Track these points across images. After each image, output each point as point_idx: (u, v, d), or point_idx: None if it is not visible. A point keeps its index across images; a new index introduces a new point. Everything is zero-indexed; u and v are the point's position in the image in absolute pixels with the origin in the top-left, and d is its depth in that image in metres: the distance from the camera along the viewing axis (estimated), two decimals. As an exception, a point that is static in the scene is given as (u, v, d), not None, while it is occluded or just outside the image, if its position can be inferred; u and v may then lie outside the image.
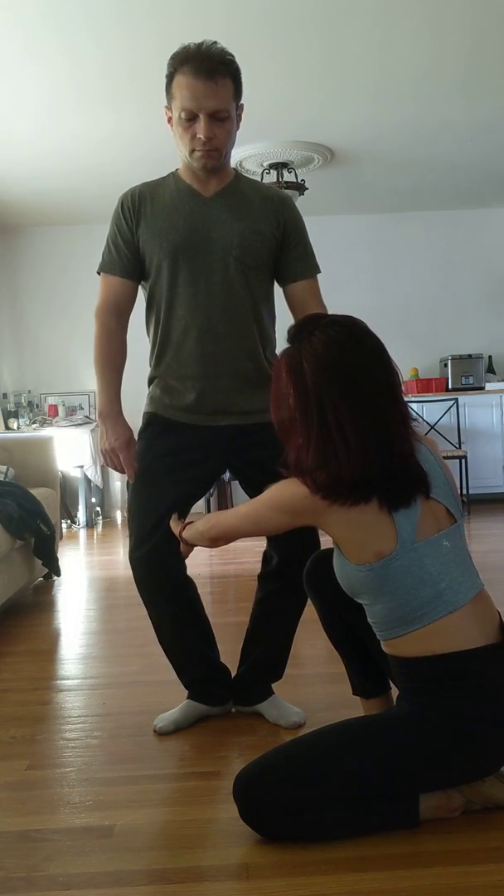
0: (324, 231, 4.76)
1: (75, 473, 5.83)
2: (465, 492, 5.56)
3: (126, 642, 2.88)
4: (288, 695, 2.14)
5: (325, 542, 1.65)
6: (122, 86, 3.86)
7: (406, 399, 1.55)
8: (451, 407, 5.70)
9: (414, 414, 1.56)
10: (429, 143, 4.86)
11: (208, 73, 1.75)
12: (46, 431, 5.56)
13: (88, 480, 5.89)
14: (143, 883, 1.38)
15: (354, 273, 6.24)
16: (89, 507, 5.98)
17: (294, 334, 1.54)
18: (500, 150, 5.04)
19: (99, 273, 2.01)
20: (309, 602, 1.86)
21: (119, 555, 4.81)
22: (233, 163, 2.22)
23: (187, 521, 1.81)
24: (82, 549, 5.09)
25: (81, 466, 5.74)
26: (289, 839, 1.47)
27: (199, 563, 1.85)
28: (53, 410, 6.15)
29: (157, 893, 1.35)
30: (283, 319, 2.02)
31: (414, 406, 5.63)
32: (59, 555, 3.91)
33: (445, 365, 6.16)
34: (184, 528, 1.78)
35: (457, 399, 5.73)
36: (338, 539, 1.54)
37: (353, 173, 5.37)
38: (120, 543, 5.22)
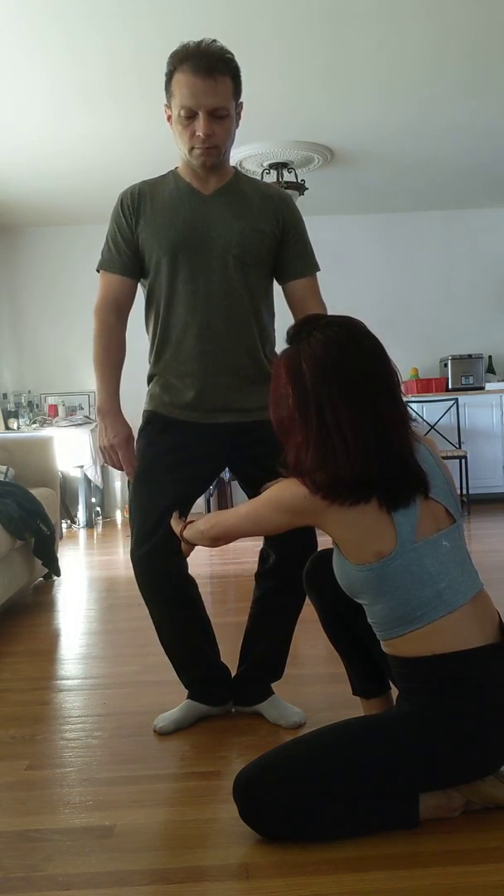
0: (324, 231, 4.77)
1: (75, 473, 5.84)
2: (465, 492, 5.56)
3: (126, 642, 2.88)
4: (288, 695, 2.14)
5: (324, 541, 1.65)
6: (126, 87, 3.86)
7: (406, 399, 1.56)
8: (451, 407, 5.70)
9: (414, 414, 1.57)
10: (429, 144, 4.86)
11: (207, 71, 1.76)
12: (46, 431, 5.56)
13: (88, 480, 5.89)
14: (143, 883, 1.38)
15: (354, 273, 6.24)
16: (89, 507, 5.98)
17: (293, 335, 1.55)
18: (500, 151, 5.04)
19: (98, 271, 2.01)
20: (309, 602, 1.86)
21: (119, 555, 4.81)
22: (233, 163, 2.22)
23: (189, 520, 1.82)
24: (82, 549, 5.09)
25: (81, 466, 5.74)
26: (289, 839, 1.47)
27: (199, 563, 1.86)
28: (53, 410, 6.15)
29: (157, 893, 1.35)
30: (283, 318, 2.02)
31: (414, 406, 5.64)
32: (59, 555, 3.91)
33: (445, 365, 6.16)
34: (185, 527, 1.78)
35: (457, 399, 5.73)
36: (337, 539, 1.55)
37: (353, 173, 5.38)
38: (120, 543, 5.23)
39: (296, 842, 1.46)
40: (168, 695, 2.19)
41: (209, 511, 5.66)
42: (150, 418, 2.01)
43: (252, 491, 1.95)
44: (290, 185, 5.11)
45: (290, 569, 1.97)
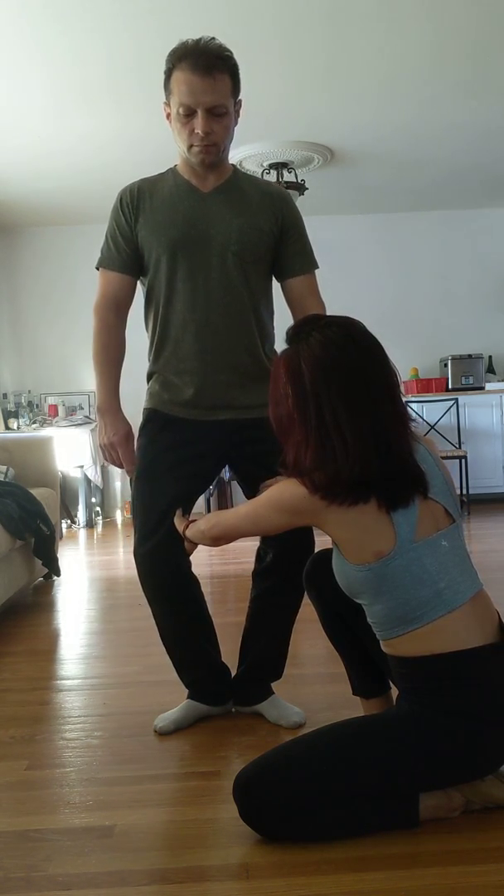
0: (324, 231, 4.77)
1: (75, 473, 5.84)
2: (464, 492, 5.56)
3: (126, 642, 2.88)
4: (288, 695, 2.14)
5: (323, 541, 1.65)
6: (126, 87, 3.86)
7: (406, 399, 1.56)
8: (451, 407, 5.70)
9: (414, 414, 1.57)
10: (429, 144, 4.85)
11: (206, 69, 1.76)
12: (46, 431, 5.56)
13: (88, 480, 5.89)
14: (144, 883, 1.38)
15: (354, 273, 6.24)
16: (89, 507, 5.98)
17: (292, 335, 1.55)
18: (501, 151, 5.04)
19: (98, 268, 2.02)
20: (308, 602, 1.86)
21: (119, 555, 4.81)
22: (233, 162, 2.22)
23: (191, 518, 1.82)
24: (82, 549, 5.09)
25: (81, 466, 5.74)
26: (289, 839, 1.47)
27: (200, 563, 1.86)
28: (53, 410, 6.15)
29: (158, 893, 1.35)
30: (282, 316, 2.02)
31: (414, 406, 5.64)
32: (59, 555, 3.91)
33: (445, 365, 6.16)
34: (187, 526, 1.79)
35: (457, 399, 5.73)
36: (337, 539, 1.55)
37: (353, 173, 5.38)
38: (120, 543, 5.23)
39: (296, 842, 1.46)
40: (168, 695, 2.19)
41: (209, 511, 5.66)
42: (151, 416, 2.01)
43: (251, 490, 1.95)
44: (290, 185, 5.11)
45: (287, 567, 1.97)
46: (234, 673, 2.13)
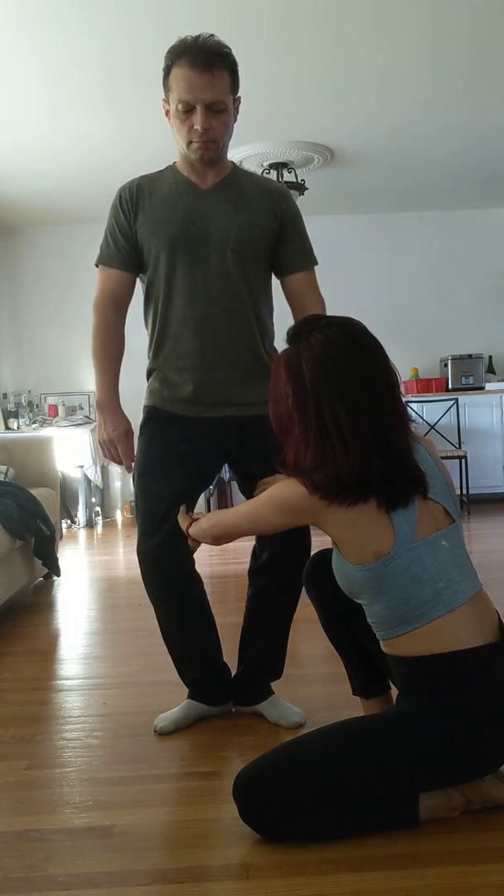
0: (323, 231, 4.75)
1: (75, 473, 5.83)
2: (465, 492, 5.56)
3: (126, 642, 2.88)
4: (288, 695, 2.14)
5: (322, 541, 1.65)
6: (122, 87, 3.86)
7: (406, 399, 1.56)
8: (451, 407, 5.70)
9: (414, 414, 1.57)
10: (429, 144, 4.85)
11: (205, 65, 1.76)
12: (46, 431, 5.56)
13: (88, 480, 5.89)
14: (144, 883, 1.38)
15: (354, 273, 6.23)
16: (89, 507, 5.98)
17: (293, 335, 1.55)
18: (500, 151, 5.04)
19: (97, 265, 2.01)
20: (308, 601, 1.86)
21: (119, 555, 4.81)
22: (233, 162, 2.22)
23: (194, 516, 1.82)
24: (82, 549, 5.09)
25: (81, 466, 5.74)
26: (289, 839, 1.47)
27: (200, 563, 1.85)
28: (53, 410, 6.15)
29: (158, 893, 1.35)
30: (282, 313, 2.02)
31: (414, 406, 5.64)
32: (59, 555, 3.91)
33: (445, 365, 6.16)
34: (190, 524, 1.79)
35: (457, 399, 5.72)
36: (336, 539, 1.55)
37: (353, 173, 5.37)
38: (120, 543, 5.22)
39: (296, 842, 1.46)
40: (168, 695, 2.19)
41: (210, 511, 5.66)
42: (151, 413, 2.01)
43: (249, 489, 1.94)
44: (290, 185, 5.11)
45: (284, 565, 1.97)
46: (233, 673, 2.13)
